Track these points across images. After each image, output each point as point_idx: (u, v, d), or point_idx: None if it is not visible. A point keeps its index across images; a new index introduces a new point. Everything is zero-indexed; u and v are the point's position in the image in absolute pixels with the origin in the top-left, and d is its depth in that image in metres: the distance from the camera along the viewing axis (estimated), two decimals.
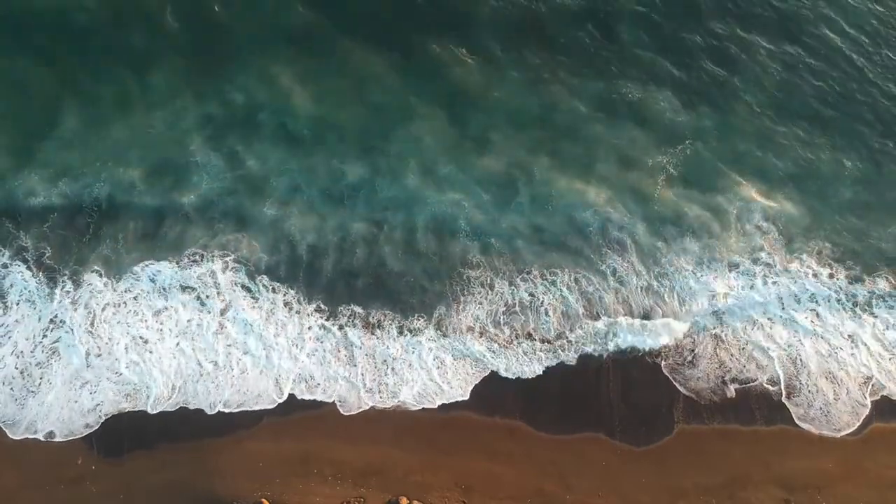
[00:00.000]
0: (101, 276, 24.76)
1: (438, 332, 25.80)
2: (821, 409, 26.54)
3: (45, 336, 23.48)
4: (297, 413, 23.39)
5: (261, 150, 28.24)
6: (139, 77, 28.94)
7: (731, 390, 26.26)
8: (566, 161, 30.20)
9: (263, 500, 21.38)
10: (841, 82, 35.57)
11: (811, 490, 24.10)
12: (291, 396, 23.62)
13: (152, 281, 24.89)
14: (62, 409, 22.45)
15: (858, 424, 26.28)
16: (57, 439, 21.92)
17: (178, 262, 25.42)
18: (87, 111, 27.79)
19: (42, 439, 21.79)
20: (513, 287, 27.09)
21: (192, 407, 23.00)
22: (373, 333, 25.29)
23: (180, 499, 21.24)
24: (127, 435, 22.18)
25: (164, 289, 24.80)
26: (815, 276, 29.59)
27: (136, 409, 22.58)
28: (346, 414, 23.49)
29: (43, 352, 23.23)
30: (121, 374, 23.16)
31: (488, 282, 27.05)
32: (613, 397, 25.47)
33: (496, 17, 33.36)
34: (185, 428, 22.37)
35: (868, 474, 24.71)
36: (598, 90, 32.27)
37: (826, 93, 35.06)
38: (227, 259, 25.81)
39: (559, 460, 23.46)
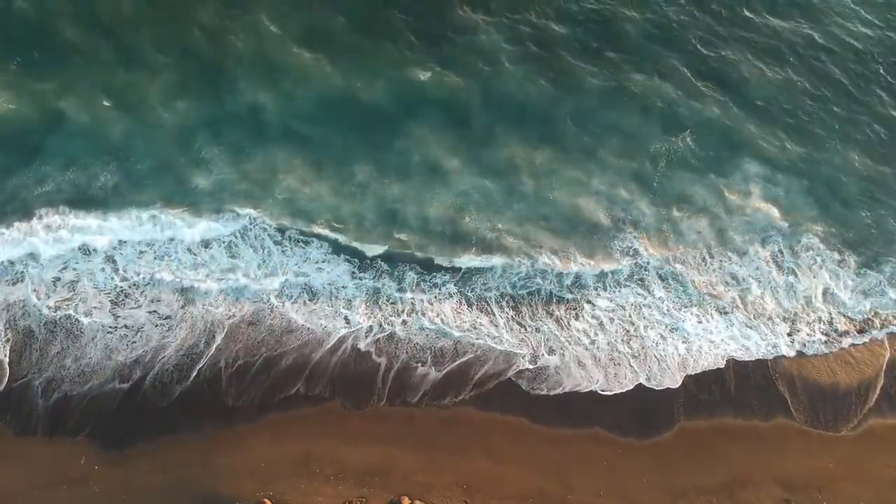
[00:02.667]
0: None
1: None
2: None
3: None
4: (298, 410, 23.35)
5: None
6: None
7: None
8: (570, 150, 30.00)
9: (266, 499, 21.49)
10: (846, 74, 35.32)
11: (811, 489, 24.24)
12: (295, 392, 23.59)
13: (174, 241, 25.09)
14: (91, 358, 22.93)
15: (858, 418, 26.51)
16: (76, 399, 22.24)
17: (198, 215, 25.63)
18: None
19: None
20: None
21: (258, 356, 23.65)
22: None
23: (183, 498, 21.32)
24: (129, 435, 22.16)
25: (190, 246, 25.10)
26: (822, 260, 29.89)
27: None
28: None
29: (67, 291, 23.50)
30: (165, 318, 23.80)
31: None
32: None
33: (500, 12, 32.55)
34: (187, 428, 22.35)
35: (868, 473, 24.84)
36: (601, 81, 31.74)
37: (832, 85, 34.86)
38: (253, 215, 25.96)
39: (560, 460, 23.54)
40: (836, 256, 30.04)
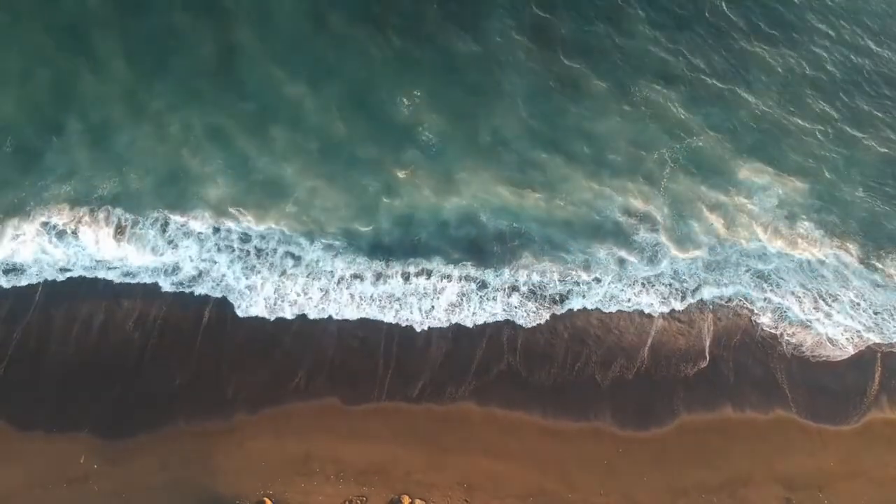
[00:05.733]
0: None
1: None
2: None
3: None
4: (298, 405, 23.19)
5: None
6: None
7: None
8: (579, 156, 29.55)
9: (266, 499, 21.46)
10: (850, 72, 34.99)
11: (812, 488, 24.25)
12: (296, 387, 23.42)
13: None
14: None
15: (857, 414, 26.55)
16: None
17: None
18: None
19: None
20: None
21: None
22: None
23: (182, 497, 21.29)
24: (129, 433, 22.03)
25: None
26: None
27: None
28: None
29: None
30: None
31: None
32: (615, 386, 25.46)
33: (505, 17, 31.56)
34: (187, 426, 22.24)
35: (869, 472, 24.89)
36: (608, 86, 31.15)
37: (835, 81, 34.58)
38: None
39: (561, 457, 23.50)
40: (841, 248, 29.99)
